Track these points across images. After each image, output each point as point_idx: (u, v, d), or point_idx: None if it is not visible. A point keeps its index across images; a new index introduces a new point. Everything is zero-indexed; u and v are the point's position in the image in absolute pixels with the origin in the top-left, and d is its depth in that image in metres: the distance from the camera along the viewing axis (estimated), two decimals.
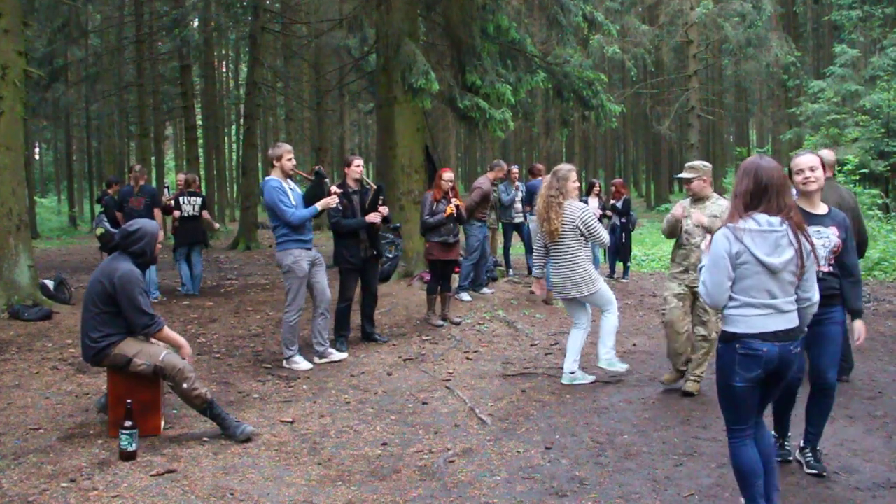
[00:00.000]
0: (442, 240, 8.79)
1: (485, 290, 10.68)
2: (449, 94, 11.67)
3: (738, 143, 45.34)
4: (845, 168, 15.41)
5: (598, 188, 13.08)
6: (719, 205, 6.09)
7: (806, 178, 4.41)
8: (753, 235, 3.55)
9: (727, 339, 3.65)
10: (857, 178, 16.79)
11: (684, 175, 6.29)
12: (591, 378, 6.63)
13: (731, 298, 3.63)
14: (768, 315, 3.57)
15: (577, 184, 6.57)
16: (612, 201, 12.98)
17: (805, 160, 4.44)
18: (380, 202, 7.76)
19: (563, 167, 6.61)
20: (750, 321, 3.58)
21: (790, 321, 3.61)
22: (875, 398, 6.04)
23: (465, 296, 10.14)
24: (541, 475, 4.54)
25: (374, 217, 7.66)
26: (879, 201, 17.71)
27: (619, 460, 4.79)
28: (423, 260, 10.15)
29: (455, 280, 10.14)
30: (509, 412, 5.79)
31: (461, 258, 10.06)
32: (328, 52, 22.21)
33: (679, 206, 6.17)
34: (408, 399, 6.14)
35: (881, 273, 12.14)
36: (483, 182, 10.64)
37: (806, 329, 3.78)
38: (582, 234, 6.41)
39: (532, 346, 8.11)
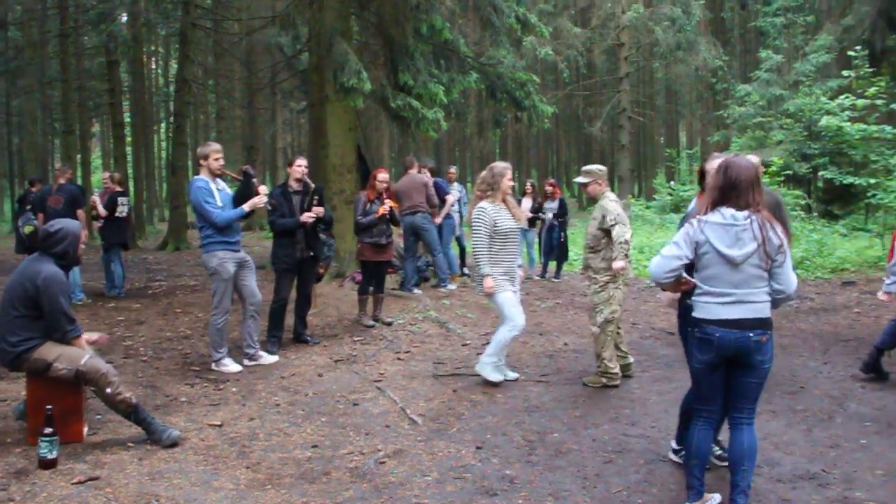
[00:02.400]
0: (374, 241, 8.75)
1: (416, 290, 10.70)
2: (381, 94, 11.63)
3: (668, 144, 46.18)
4: (770, 170, 15.84)
5: (530, 188, 13.24)
6: (601, 206, 6.43)
7: None
8: (715, 228, 3.77)
9: (692, 323, 3.92)
10: (782, 179, 17.27)
11: (581, 179, 6.65)
12: (497, 376, 6.54)
13: (696, 286, 3.89)
14: (728, 304, 3.78)
15: (512, 182, 6.59)
16: (547, 202, 13.09)
17: None
18: (314, 202, 7.70)
19: (499, 164, 6.64)
20: (708, 308, 3.82)
21: (754, 311, 3.78)
22: (796, 393, 6.22)
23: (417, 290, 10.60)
24: (472, 475, 4.56)
25: (306, 217, 7.59)
26: (802, 202, 18.28)
27: (550, 458, 4.84)
28: (355, 260, 10.10)
29: (402, 279, 10.62)
30: (440, 412, 5.80)
31: (394, 257, 10.07)
32: (260, 49, 21.89)
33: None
34: (339, 400, 6.10)
35: (803, 271, 12.50)
36: (424, 175, 10.85)
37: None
38: (490, 235, 6.41)
39: (464, 345, 8.13)
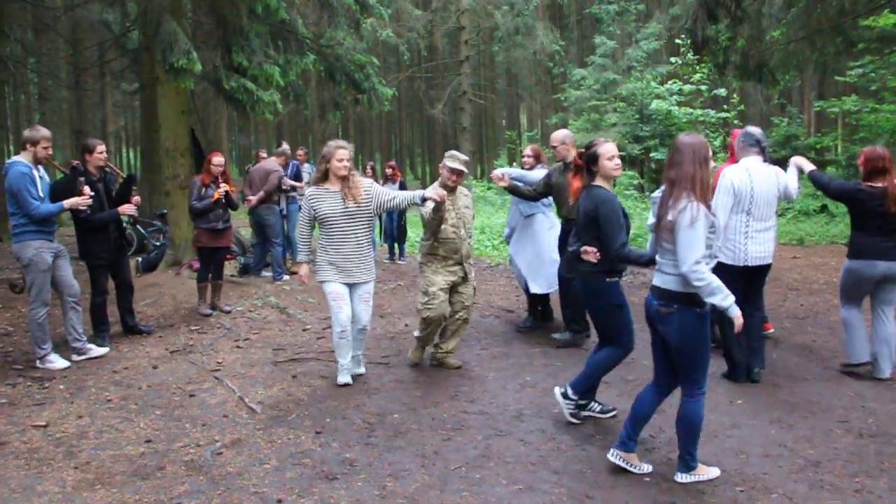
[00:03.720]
0: (210, 226, 8.52)
1: (265, 273, 10.67)
2: (214, 75, 11.27)
3: (509, 126, 47.26)
4: None
5: (369, 171, 13.30)
6: (466, 194, 6.66)
7: (618, 164, 4.85)
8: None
9: None
10: None
11: (459, 167, 6.28)
12: (344, 378, 6.18)
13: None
14: (656, 271, 4.14)
15: (343, 163, 6.00)
16: (387, 184, 13.14)
17: (615, 148, 4.84)
18: (133, 192, 7.41)
19: (329, 144, 6.18)
20: None
21: (660, 281, 4.06)
22: (628, 364, 6.45)
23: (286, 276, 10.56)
24: (311, 460, 4.56)
25: (128, 209, 7.28)
26: (635, 182, 19.20)
27: (389, 439, 4.90)
28: (191, 247, 9.79)
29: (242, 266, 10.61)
30: (280, 399, 5.75)
31: (232, 243, 9.87)
32: (86, 26, 20.69)
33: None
34: (174, 392, 5.93)
35: (638, 248, 13.13)
36: (274, 164, 10.89)
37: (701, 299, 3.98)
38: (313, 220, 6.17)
39: (304, 330, 8.07)
